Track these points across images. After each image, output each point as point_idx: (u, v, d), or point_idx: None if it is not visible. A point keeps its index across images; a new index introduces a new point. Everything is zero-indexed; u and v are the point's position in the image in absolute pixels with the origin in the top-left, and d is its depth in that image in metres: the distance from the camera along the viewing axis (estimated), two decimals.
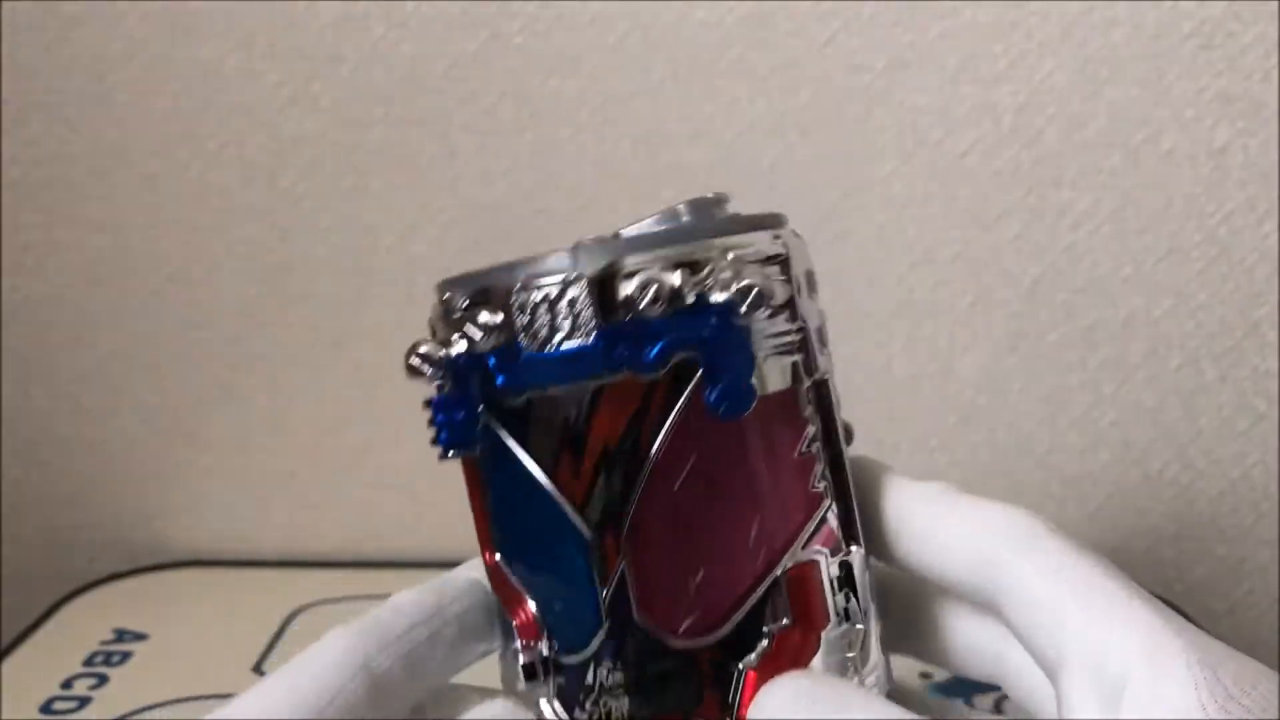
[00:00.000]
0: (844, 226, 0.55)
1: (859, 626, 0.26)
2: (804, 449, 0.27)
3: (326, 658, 0.25)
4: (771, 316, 0.26)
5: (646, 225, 0.27)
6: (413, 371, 0.26)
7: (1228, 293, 0.54)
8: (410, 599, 0.27)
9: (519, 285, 0.26)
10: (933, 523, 0.27)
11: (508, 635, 0.28)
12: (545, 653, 0.27)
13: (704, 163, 0.55)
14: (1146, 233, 0.54)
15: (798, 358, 0.27)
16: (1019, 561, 0.25)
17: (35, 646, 0.54)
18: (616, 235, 0.27)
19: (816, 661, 0.25)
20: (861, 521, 0.28)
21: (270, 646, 0.52)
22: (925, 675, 0.47)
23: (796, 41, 0.53)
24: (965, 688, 0.46)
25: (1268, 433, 0.56)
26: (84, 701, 0.48)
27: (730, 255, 0.26)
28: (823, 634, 0.26)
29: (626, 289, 0.25)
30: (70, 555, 0.64)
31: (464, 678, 0.29)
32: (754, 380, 0.25)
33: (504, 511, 0.28)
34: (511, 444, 0.26)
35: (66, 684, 0.50)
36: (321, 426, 0.61)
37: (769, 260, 0.27)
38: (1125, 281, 0.55)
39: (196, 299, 0.59)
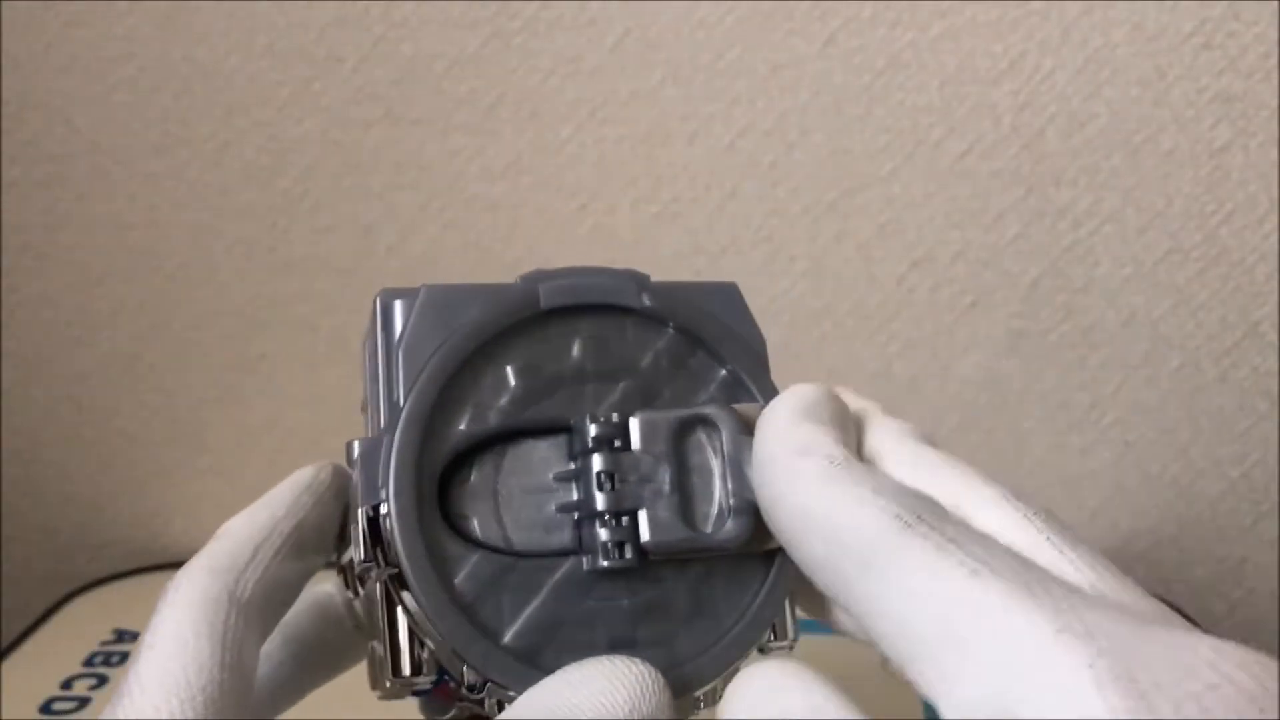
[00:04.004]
0: (844, 226, 0.55)
1: None
2: None
3: (186, 612, 0.22)
4: None
5: None
6: None
7: (1228, 293, 0.54)
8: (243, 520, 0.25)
9: None
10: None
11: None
12: None
13: (704, 163, 0.55)
14: (1146, 233, 0.54)
15: None
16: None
17: (35, 646, 0.54)
18: None
19: None
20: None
21: None
22: None
23: (796, 41, 0.53)
24: None
25: (1268, 433, 0.56)
26: (83, 702, 0.48)
27: None
28: None
29: None
30: (70, 555, 0.64)
31: None
32: None
33: None
34: None
35: (66, 684, 0.50)
36: (321, 426, 0.61)
37: None
38: (1125, 281, 0.55)
39: (196, 299, 0.59)
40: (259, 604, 0.24)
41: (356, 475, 0.24)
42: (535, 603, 0.23)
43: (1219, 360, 0.55)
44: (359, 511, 0.23)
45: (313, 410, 0.61)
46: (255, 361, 0.60)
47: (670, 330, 0.25)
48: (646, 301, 0.25)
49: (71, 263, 0.59)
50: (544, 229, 0.56)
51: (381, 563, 0.23)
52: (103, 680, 0.50)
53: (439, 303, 0.24)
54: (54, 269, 0.60)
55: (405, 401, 0.24)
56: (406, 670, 0.24)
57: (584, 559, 0.23)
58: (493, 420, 0.24)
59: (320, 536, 0.26)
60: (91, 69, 0.56)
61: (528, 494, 0.24)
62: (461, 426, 0.24)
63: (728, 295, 0.26)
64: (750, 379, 0.25)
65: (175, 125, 0.57)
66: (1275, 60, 0.51)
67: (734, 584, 0.24)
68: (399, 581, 0.23)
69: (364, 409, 0.28)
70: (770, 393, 0.25)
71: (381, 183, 0.57)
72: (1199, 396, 0.56)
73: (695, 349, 0.25)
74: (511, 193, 0.56)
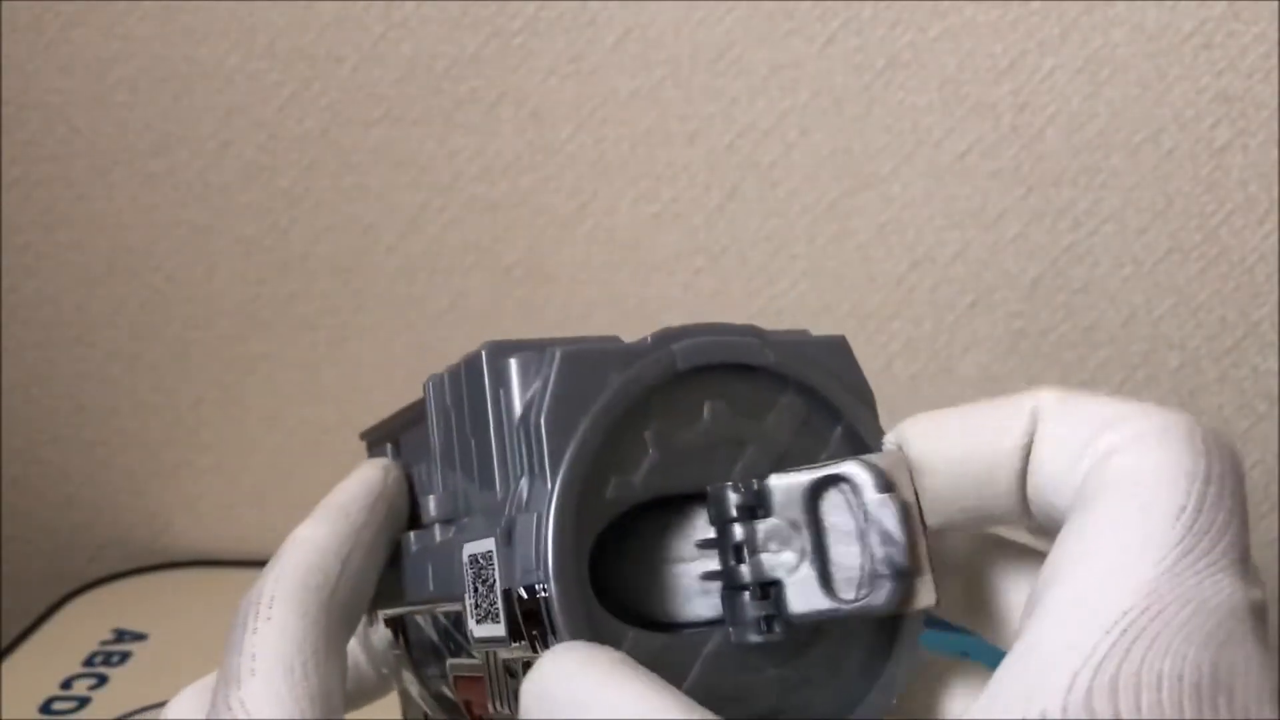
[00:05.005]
0: (844, 226, 0.55)
1: None
2: None
3: (283, 627, 0.22)
4: None
5: None
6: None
7: (1228, 293, 0.54)
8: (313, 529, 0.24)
9: None
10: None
11: None
12: None
13: (704, 163, 0.55)
14: (1146, 233, 0.54)
15: None
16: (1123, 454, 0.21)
17: (35, 646, 0.54)
18: None
19: None
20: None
21: None
22: None
23: (796, 41, 0.53)
24: None
25: (1268, 433, 0.56)
26: (83, 702, 0.48)
27: None
28: None
29: None
30: (70, 555, 0.64)
31: None
32: None
33: None
34: None
35: (66, 684, 0.50)
36: (321, 426, 0.61)
37: None
38: (1125, 281, 0.55)
39: (196, 299, 0.59)
40: (348, 621, 0.23)
41: (491, 550, 0.23)
42: (690, 678, 0.22)
43: (1219, 360, 0.55)
44: (506, 591, 0.22)
45: (313, 410, 0.61)
46: (255, 361, 0.60)
47: (791, 387, 0.25)
48: (771, 358, 0.25)
49: (71, 263, 0.59)
50: (544, 229, 0.56)
51: (537, 645, 0.22)
52: (103, 680, 0.50)
53: (576, 367, 0.23)
54: (54, 269, 0.60)
55: (555, 476, 0.22)
56: None
57: (731, 631, 0.23)
58: (638, 490, 0.23)
59: (388, 549, 0.25)
60: (91, 69, 0.56)
61: (670, 563, 0.24)
62: (609, 497, 0.23)
63: (838, 348, 0.26)
64: (866, 433, 0.25)
65: (175, 125, 0.57)
66: (1275, 60, 0.51)
67: (866, 646, 0.24)
68: None
69: (367, 441, 0.26)
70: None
71: (381, 183, 0.57)
72: (1199, 396, 0.56)
73: (814, 405, 0.25)
74: (511, 193, 0.56)
